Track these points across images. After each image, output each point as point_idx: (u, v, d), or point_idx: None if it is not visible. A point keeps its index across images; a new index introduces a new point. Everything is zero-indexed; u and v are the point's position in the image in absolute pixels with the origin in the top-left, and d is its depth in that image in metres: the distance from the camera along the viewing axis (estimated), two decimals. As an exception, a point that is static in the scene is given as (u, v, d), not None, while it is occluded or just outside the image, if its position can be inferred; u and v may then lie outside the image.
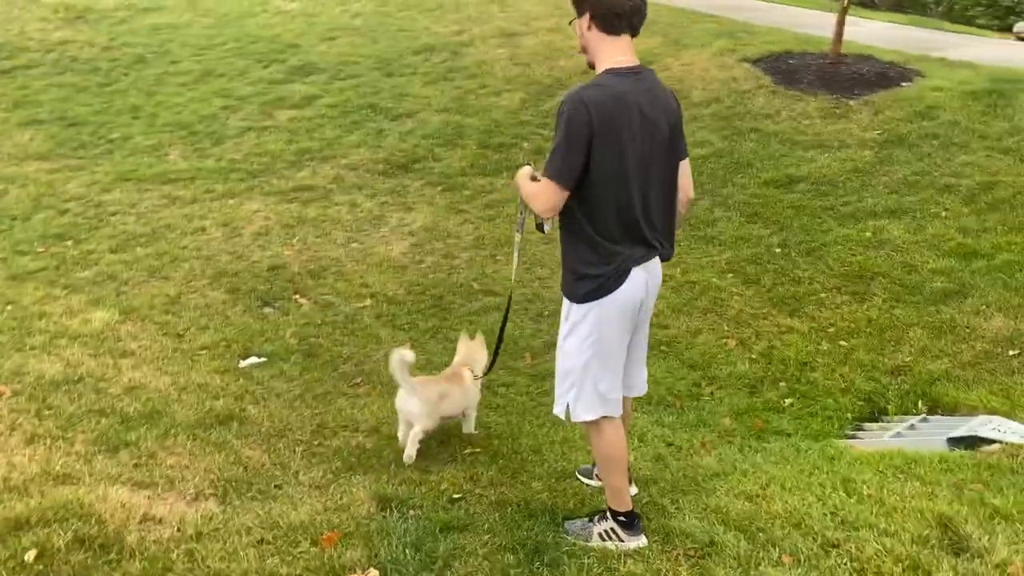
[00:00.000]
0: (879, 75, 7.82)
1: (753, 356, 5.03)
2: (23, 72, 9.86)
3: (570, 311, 2.81)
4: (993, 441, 3.76)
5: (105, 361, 4.47)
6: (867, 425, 4.42)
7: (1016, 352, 4.59)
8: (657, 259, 2.85)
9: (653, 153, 2.71)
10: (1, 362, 4.23)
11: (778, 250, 6.00)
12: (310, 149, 8.11)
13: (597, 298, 2.72)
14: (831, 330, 5.16)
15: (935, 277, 5.33)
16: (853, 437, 4.27)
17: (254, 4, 11.94)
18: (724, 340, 5.22)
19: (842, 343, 5.03)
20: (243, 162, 7.89)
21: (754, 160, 7.02)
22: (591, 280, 2.73)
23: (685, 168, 2.89)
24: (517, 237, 3.26)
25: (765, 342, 5.15)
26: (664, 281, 5.80)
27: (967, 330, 4.85)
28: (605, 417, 2.79)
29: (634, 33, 2.76)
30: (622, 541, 2.78)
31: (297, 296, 5.78)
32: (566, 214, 2.72)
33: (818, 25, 10.81)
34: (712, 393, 4.70)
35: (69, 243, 6.41)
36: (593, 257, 2.72)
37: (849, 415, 4.47)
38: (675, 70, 8.67)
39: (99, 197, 7.26)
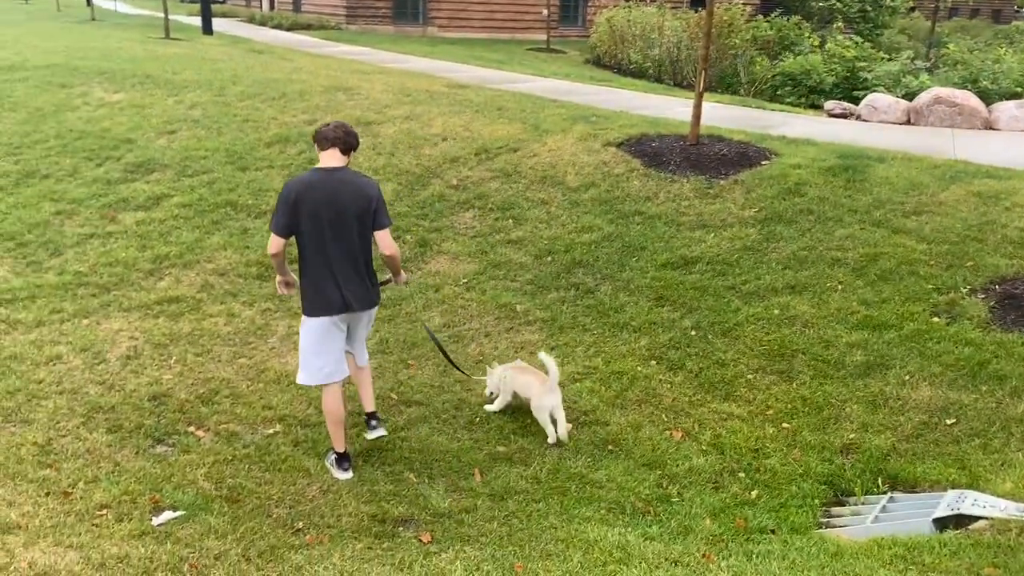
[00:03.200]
0: (739, 155, 8.24)
1: (704, 447, 4.94)
2: None
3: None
4: (978, 518, 3.83)
5: (-14, 543, 3.62)
6: (836, 510, 4.41)
7: (953, 421, 4.80)
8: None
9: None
10: None
11: (693, 333, 6.02)
12: (168, 255, 7.33)
13: None
14: (770, 412, 5.19)
15: (853, 351, 5.53)
16: (831, 526, 4.24)
17: (72, 96, 10.86)
18: (668, 432, 5.10)
19: (785, 425, 5.06)
20: (91, 275, 6.98)
21: (645, 243, 7.10)
22: None
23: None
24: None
25: (710, 431, 5.08)
26: (589, 373, 5.67)
27: (899, 402, 5.03)
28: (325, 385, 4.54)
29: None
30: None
31: (193, 428, 5.06)
32: None
33: (653, 107, 11.42)
34: (679, 493, 4.53)
35: None
36: None
37: (817, 501, 4.44)
38: (544, 156, 8.72)
39: (-85, 328, 6.11)
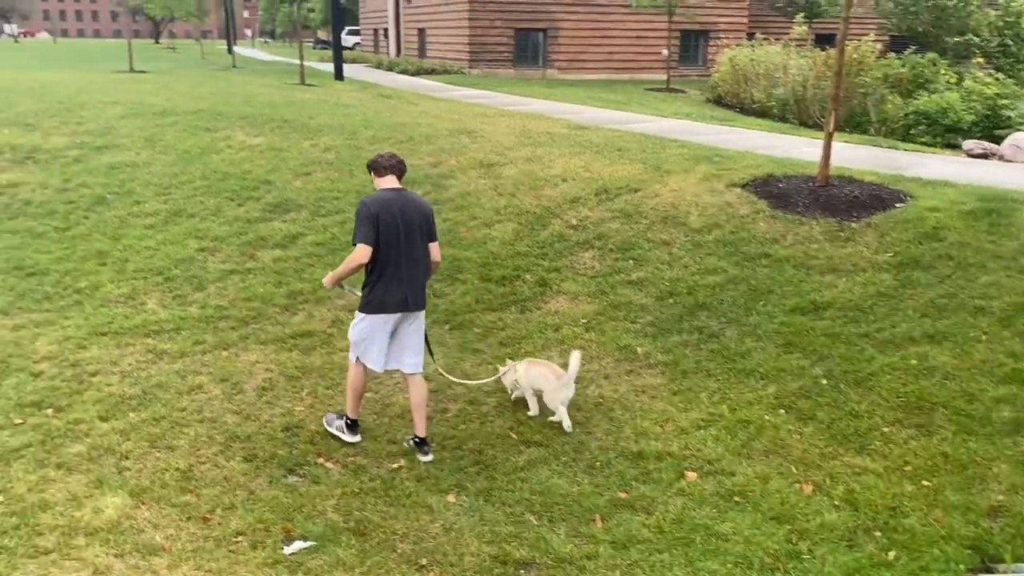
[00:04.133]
0: (872, 197, 7.95)
1: (836, 503, 4.72)
2: (-30, 218, 9.19)
3: None
4: None
5: (135, 563, 3.85)
6: (985, 578, 4.12)
7: (1119, 486, 4.42)
8: None
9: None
10: (17, 577, 3.56)
11: (824, 382, 5.80)
12: (302, 291, 7.67)
13: None
14: (908, 468, 4.91)
15: (1000, 406, 5.19)
16: (979, 595, 3.96)
17: (216, 139, 11.61)
18: (798, 485, 4.90)
19: (925, 483, 4.78)
20: (231, 308, 7.37)
21: (772, 286, 6.92)
22: None
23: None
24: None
25: (843, 485, 4.86)
26: (714, 420, 5.54)
27: (1055, 463, 4.68)
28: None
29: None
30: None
31: (323, 460, 5.23)
32: None
33: (778, 147, 11.17)
34: (810, 550, 4.33)
35: (49, 411, 5.72)
36: None
37: (961, 567, 4.16)
38: (665, 196, 8.66)
39: (74, 355, 6.59)
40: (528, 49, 29.43)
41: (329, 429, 5.52)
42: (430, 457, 5.29)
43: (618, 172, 9.45)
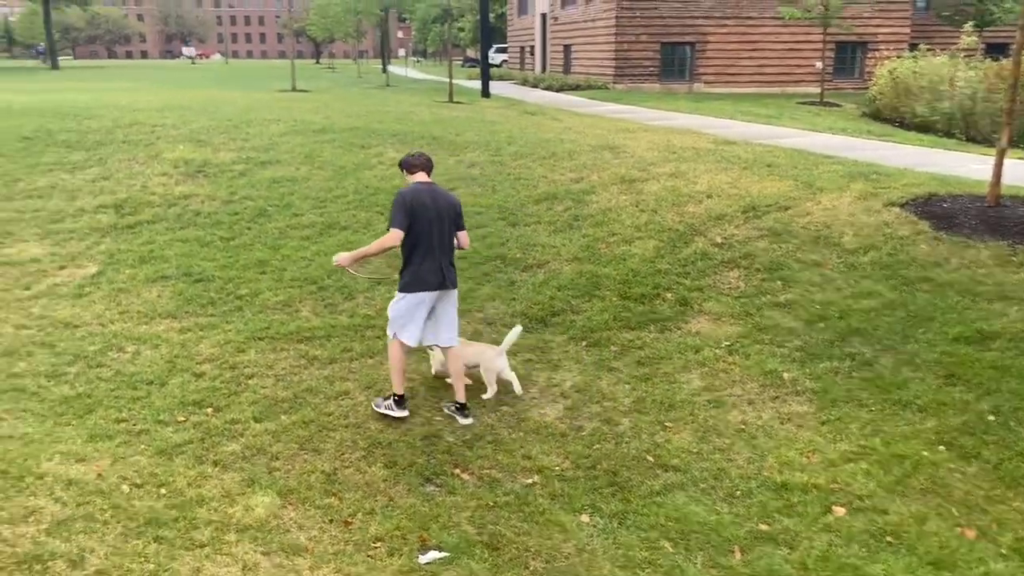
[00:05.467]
0: (1050, 218, 7.32)
1: (1003, 551, 4.34)
2: (147, 227, 9.97)
3: None
4: None
5: (280, 561, 4.03)
6: None
7: None
8: None
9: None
10: (176, 567, 3.80)
11: (992, 418, 5.36)
12: (443, 303, 7.84)
13: None
14: (1090, 519, 4.46)
15: None
16: None
17: (369, 156, 12.11)
18: (959, 529, 4.55)
19: (1110, 536, 4.32)
20: (377, 318, 7.62)
21: (934, 313, 6.48)
22: None
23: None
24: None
25: (1011, 533, 4.46)
26: (865, 454, 5.22)
27: None
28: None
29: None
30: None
31: (458, 471, 5.31)
32: None
33: (942, 164, 10.49)
34: (973, 602, 4.01)
35: (209, 410, 6.10)
36: None
37: None
38: (817, 215, 8.30)
39: (233, 358, 7.01)
40: (674, 63, 29.08)
41: (378, 411, 5.95)
42: (471, 420, 5.92)
43: (767, 189, 9.15)
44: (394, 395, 5.93)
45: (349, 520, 4.65)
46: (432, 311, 5.90)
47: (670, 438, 5.72)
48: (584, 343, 7.09)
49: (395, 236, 5.63)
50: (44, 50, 64.07)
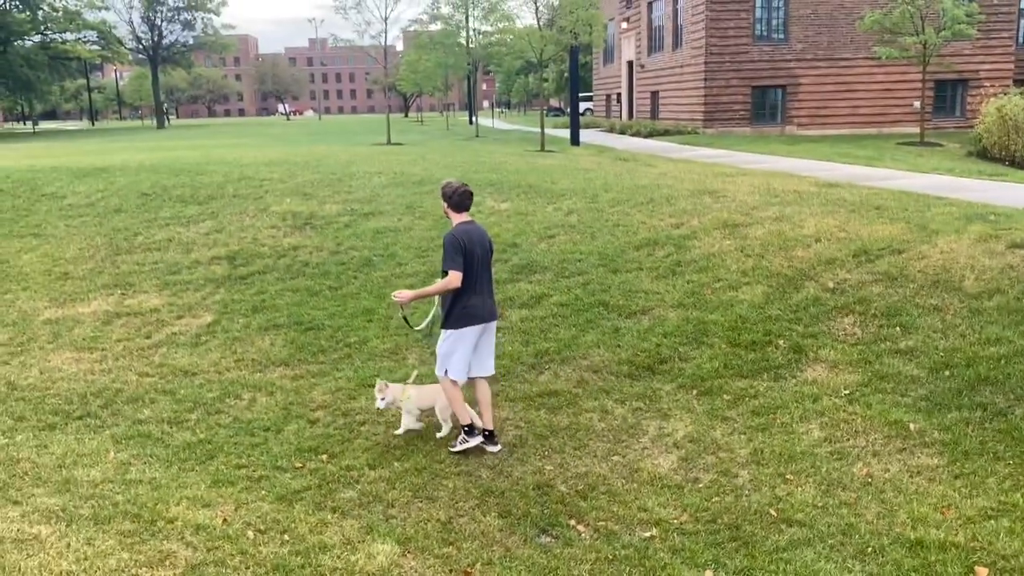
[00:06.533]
0: None
1: None
2: (259, 278, 10.34)
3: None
4: None
5: (406, 610, 4.01)
6: None
7: None
8: None
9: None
10: (307, 614, 3.83)
11: None
12: (547, 351, 7.83)
13: None
14: None
15: None
16: None
17: (467, 205, 12.32)
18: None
19: None
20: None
21: (1073, 361, 6.11)
22: None
23: None
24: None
25: None
26: (1006, 510, 4.92)
27: None
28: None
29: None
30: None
31: (573, 522, 5.23)
32: None
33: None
34: None
35: (324, 457, 6.21)
36: None
37: None
38: (934, 258, 7.99)
39: (345, 405, 7.15)
40: (766, 106, 28.78)
41: (458, 449, 6.15)
42: (498, 447, 6.18)
43: (878, 232, 8.87)
44: (463, 429, 6.17)
45: (468, 571, 4.63)
46: (475, 344, 6.16)
47: (792, 491, 5.51)
48: (695, 391, 6.95)
49: (456, 278, 5.95)
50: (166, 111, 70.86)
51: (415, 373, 7.15)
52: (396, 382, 6.77)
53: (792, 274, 8.42)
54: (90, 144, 32.89)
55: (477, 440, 6.13)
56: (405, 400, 6.50)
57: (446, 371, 6.17)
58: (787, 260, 8.72)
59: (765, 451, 6.02)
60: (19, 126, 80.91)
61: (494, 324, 6.32)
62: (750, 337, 7.54)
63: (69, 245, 11.70)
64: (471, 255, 5.99)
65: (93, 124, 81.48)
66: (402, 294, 6.22)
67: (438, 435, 6.43)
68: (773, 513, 5.26)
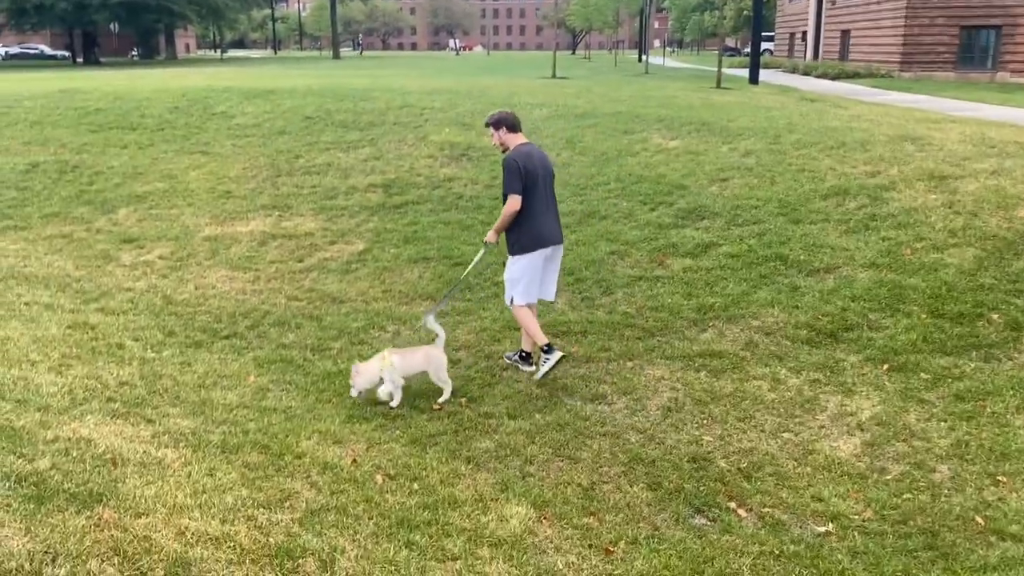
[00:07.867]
0: None
1: None
2: (412, 208, 10.05)
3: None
4: None
5: (536, 590, 3.52)
6: None
7: None
8: None
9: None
10: (424, 583, 3.42)
11: None
12: (712, 306, 7.06)
13: None
14: None
15: None
16: None
17: (633, 142, 11.51)
18: None
19: None
20: (637, 317, 7.02)
21: None
22: None
23: None
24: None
25: None
26: None
27: None
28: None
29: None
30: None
31: (734, 504, 4.56)
32: None
33: None
34: None
35: (463, 401, 5.79)
36: None
37: None
38: None
39: (488, 347, 6.72)
40: (975, 48, 25.76)
41: (544, 371, 5.96)
42: (533, 368, 6.10)
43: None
44: (543, 348, 5.94)
45: (610, 548, 4.07)
46: (542, 268, 6.04)
47: (1005, 496, 4.59)
48: (885, 366, 6.02)
49: (517, 201, 5.81)
50: (362, 42, 75.09)
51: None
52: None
53: (1012, 237, 7.17)
54: (267, 70, 34.08)
55: (557, 355, 5.90)
56: (387, 368, 5.58)
57: (512, 299, 6.02)
58: (1006, 220, 7.45)
59: (971, 444, 5.07)
60: (210, 53, 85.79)
61: (560, 248, 6.19)
62: (957, 308, 6.46)
63: (234, 164, 11.88)
64: (533, 176, 5.85)
65: (276, 53, 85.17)
66: (490, 236, 6.05)
67: (439, 400, 5.71)
68: (980, 521, 4.38)
